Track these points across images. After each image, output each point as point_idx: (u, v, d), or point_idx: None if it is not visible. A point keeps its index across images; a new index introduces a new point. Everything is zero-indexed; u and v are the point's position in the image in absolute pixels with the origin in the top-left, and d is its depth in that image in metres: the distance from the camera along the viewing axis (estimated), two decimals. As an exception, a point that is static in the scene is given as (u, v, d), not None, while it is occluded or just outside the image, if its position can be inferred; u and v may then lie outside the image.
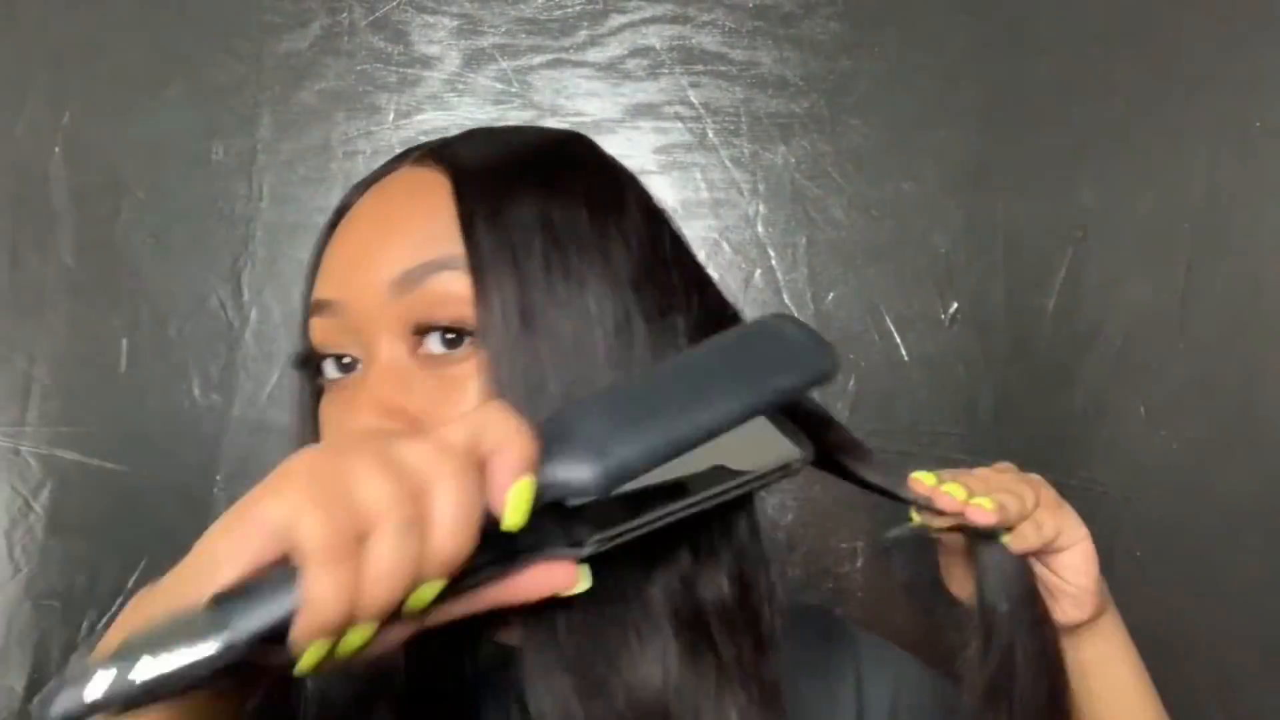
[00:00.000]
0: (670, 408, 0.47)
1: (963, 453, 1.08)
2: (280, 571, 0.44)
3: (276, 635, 0.43)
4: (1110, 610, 0.77)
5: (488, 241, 0.59)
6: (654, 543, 0.55)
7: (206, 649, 0.42)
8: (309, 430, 0.66)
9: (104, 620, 1.04)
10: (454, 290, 0.59)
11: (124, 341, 1.06)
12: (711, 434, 0.48)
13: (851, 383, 1.08)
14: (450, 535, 0.45)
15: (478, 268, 0.59)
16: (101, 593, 1.04)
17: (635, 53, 1.08)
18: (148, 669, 0.41)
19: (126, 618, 0.47)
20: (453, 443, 0.46)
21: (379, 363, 0.61)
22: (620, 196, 0.65)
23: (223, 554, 0.45)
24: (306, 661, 0.44)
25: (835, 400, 1.07)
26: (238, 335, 1.05)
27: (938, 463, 1.08)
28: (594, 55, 1.08)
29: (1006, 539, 0.71)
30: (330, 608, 0.43)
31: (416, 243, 0.60)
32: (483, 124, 1.07)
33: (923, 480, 0.71)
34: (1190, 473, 1.08)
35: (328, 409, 0.64)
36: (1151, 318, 1.08)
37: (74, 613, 1.04)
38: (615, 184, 0.66)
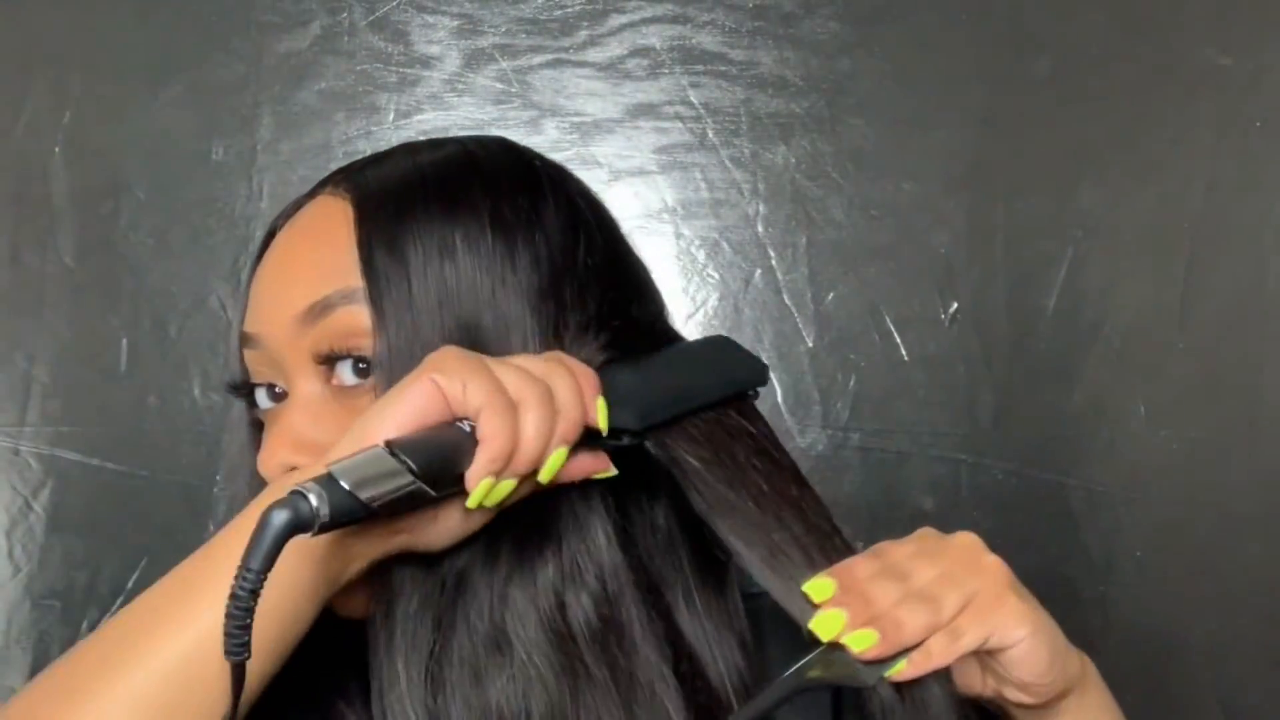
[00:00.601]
0: (674, 382, 0.64)
1: (963, 452, 1.08)
2: (450, 429, 0.55)
3: (448, 475, 0.55)
4: (1080, 687, 0.64)
5: (384, 272, 0.61)
6: (523, 552, 0.61)
7: (401, 477, 0.53)
8: (249, 459, 0.68)
9: (104, 620, 1.04)
10: (356, 322, 0.61)
11: (124, 341, 1.06)
12: (700, 407, 0.64)
13: (852, 383, 1.08)
14: (572, 412, 0.57)
15: (375, 298, 0.61)
16: (101, 593, 1.04)
17: (635, 53, 1.08)
18: (357, 490, 0.51)
19: (278, 491, 0.53)
20: (551, 359, 0.59)
21: (294, 397, 0.63)
22: (534, 211, 0.65)
23: (399, 412, 0.55)
24: (476, 497, 0.55)
25: (835, 400, 1.08)
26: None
27: (938, 463, 1.09)
28: (594, 55, 1.08)
29: (899, 667, 0.57)
30: (503, 447, 0.54)
31: (322, 276, 0.62)
32: (483, 124, 1.08)
33: (819, 588, 0.57)
34: (1190, 473, 1.07)
35: (267, 434, 0.65)
36: (1151, 318, 1.08)
37: (74, 612, 1.04)
38: (530, 198, 0.65)
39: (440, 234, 0.62)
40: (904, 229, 1.08)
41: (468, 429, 0.55)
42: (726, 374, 0.66)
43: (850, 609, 0.56)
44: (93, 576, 1.04)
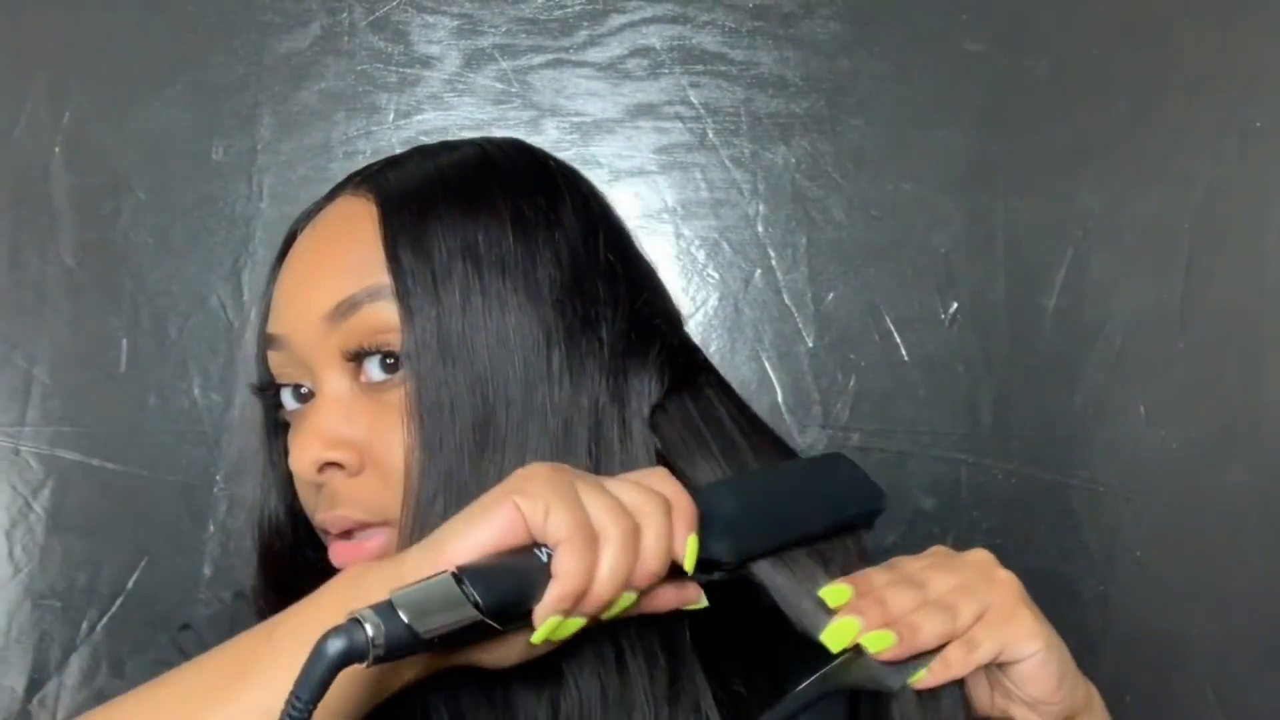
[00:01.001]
0: (778, 511, 0.61)
1: (963, 452, 1.08)
2: (525, 556, 0.53)
3: (515, 609, 0.52)
4: (1086, 715, 0.65)
5: (410, 269, 0.62)
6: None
7: (465, 610, 0.51)
8: (272, 458, 0.69)
9: (104, 620, 1.04)
10: (384, 319, 0.62)
11: (124, 341, 1.06)
12: (805, 540, 0.61)
13: (852, 383, 1.08)
14: (655, 558, 0.55)
15: (402, 295, 0.62)
16: (101, 593, 1.04)
17: (635, 53, 1.08)
18: (416, 623, 0.50)
19: (349, 587, 0.54)
20: (645, 490, 0.56)
21: (323, 394, 0.64)
22: (553, 210, 0.66)
23: (476, 535, 0.53)
24: (542, 634, 0.53)
25: (835, 400, 1.08)
26: (238, 335, 1.05)
27: (938, 463, 1.09)
28: (594, 55, 1.08)
29: (920, 675, 0.59)
30: (576, 588, 0.52)
31: (348, 274, 0.63)
32: (483, 124, 1.08)
33: (836, 593, 0.59)
34: (1190, 473, 1.07)
35: (290, 440, 0.65)
36: (1151, 318, 1.08)
37: (74, 612, 1.04)
38: (548, 197, 0.66)
39: (463, 232, 0.63)
40: (904, 229, 1.08)
41: (544, 558, 0.53)
42: (837, 503, 0.63)
43: (867, 614, 0.58)
44: (93, 576, 1.04)
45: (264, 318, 0.68)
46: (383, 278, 0.62)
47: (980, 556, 0.63)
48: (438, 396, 0.61)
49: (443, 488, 0.60)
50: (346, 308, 0.62)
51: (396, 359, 0.62)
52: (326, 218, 0.67)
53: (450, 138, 1.07)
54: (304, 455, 0.62)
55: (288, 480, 0.68)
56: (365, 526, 0.63)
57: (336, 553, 0.64)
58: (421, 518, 0.60)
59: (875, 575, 0.60)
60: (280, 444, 0.69)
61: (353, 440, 0.62)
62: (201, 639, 1.03)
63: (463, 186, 0.65)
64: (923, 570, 0.61)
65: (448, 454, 0.61)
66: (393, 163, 0.69)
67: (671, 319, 0.69)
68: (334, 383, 0.63)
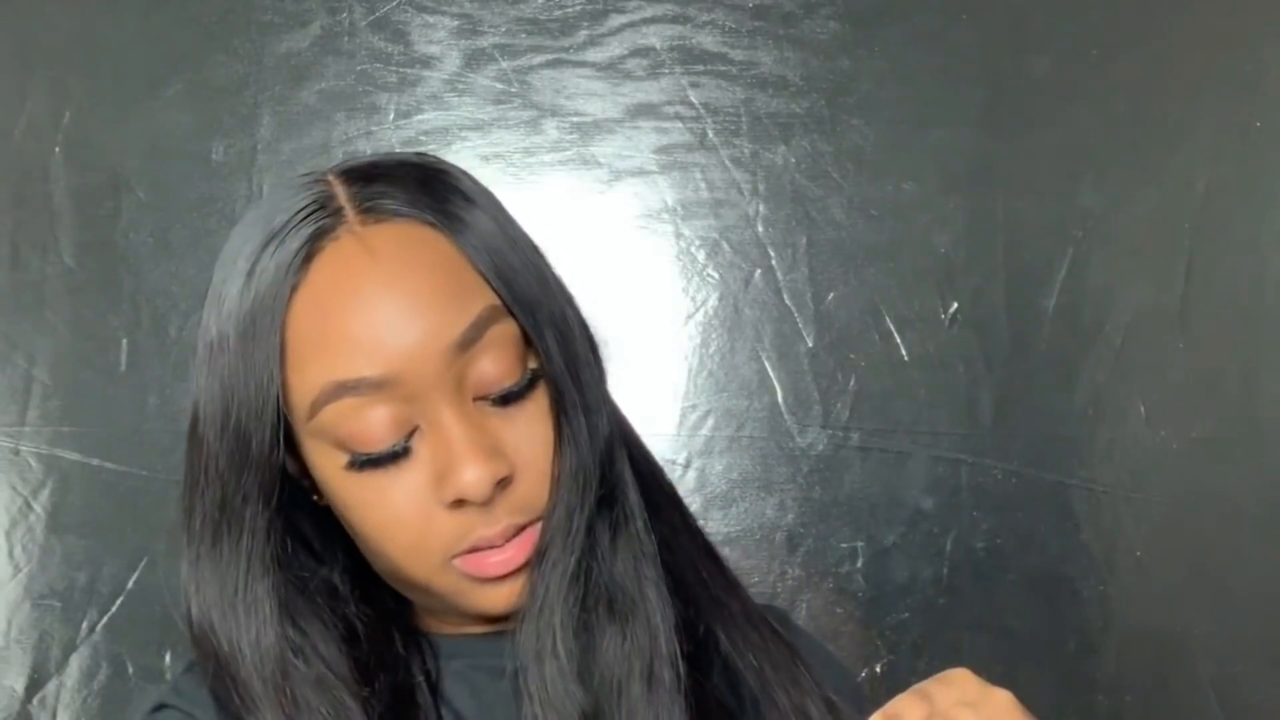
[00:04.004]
0: None
1: (963, 452, 1.08)
2: None
3: None
4: None
5: (510, 281, 0.64)
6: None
7: None
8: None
9: (104, 620, 1.04)
10: (509, 334, 0.64)
11: (124, 341, 1.06)
12: None
13: (851, 383, 1.08)
14: None
15: (520, 307, 0.64)
16: (101, 593, 1.04)
17: (635, 53, 1.08)
18: None
19: None
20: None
21: (452, 417, 0.63)
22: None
23: None
24: None
25: (835, 400, 1.08)
26: (238, 335, 1.05)
27: (938, 463, 1.09)
28: (594, 55, 1.08)
29: None
30: None
31: (460, 301, 0.63)
32: (483, 124, 1.08)
33: None
34: (1190, 473, 1.08)
35: (388, 478, 0.63)
36: (1151, 318, 1.08)
37: (74, 613, 1.04)
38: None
39: (516, 230, 0.67)
40: (904, 229, 1.08)
41: None
42: None
43: None
44: (93, 576, 1.04)
45: (336, 368, 0.62)
46: (491, 297, 0.63)
47: (1005, 699, 0.63)
48: (576, 390, 0.65)
49: (578, 473, 0.64)
50: (472, 333, 0.63)
51: (534, 375, 0.64)
52: (388, 252, 0.63)
53: (450, 138, 1.08)
54: (483, 476, 0.62)
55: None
56: (522, 528, 0.65)
57: (507, 554, 0.65)
58: (569, 507, 0.64)
59: (909, 712, 0.61)
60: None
61: (503, 452, 0.63)
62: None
63: (482, 193, 0.67)
64: (953, 706, 0.61)
65: (583, 444, 0.65)
66: (370, 192, 0.65)
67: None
68: (458, 406, 0.63)
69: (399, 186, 0.65)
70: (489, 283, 0.63)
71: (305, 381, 0.62)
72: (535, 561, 0.65)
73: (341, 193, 0.64)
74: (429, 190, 0.65)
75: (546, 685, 0.64)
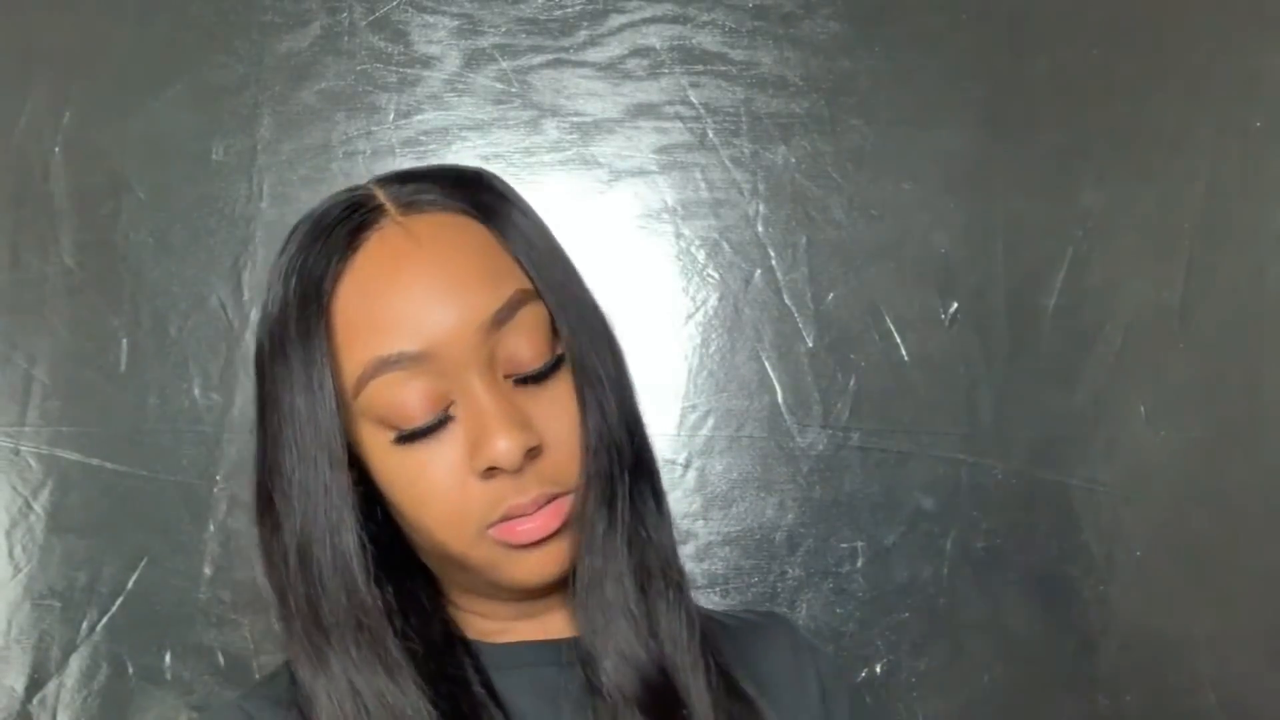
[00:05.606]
0: None
1: (963, 452, 1.08)
2: None
3: None
4: None
5: (540, 266, 0.69)
6: None
7: None
8: (335, 486, 0.67)
9: (104, 620, 1.04)
10: (539, 316, 0.68)
11: (124, 341, 1.06)
12: None
13: (851, 383, 1.08)
14: None
15: (549, 291, 0.68)
16: (101, 593, 1.04)
17: (635, 53, 1.08)
18: None
19: None
20: None
21: (485, 390, 0.66)
22: None
23: None
24: None
25: (835, 400, 1.08)
26: (238, 335, 1.05)
27: (938, 463, 1.09)
28: (594, 55, 1.08)
29: None
30: None
31: (495, 283, 0.67)
32: (483, 124, 1.08)
33: None
34: (1190, 473, 1.08)
35: (427, 452, 0.67)
36: (1151, 318, 1.08)
37: (74, 613, 1.04)
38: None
39: (542, 224, 0.71)
40: (904, 229, 1.08)
41: None
42: None
43: None
44: (93, 576, 1.04)
45: (381, 343, 0.66)
46: (524, 281, 0.68)
47: None
48: (600, 373, 0.69)
49: (609, 443, 0.68)
50: (505, 312, 0.66)
51: (558, 358, 0.68)
52: (430, 237, 0.68)
53: (450, 138, 1.08)
54: (514, 445, 0.65)
55: (359, 504, 0.68)
56: (553, 498, 0.68)
57: (538, 522, 0.67)
58: (607, 475, 0.68)
59: None
60: (344, 474, 0.67)
61: (532, 424, 0.67)
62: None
63: (502, 193, 0.71)
64: None
65: (609, 417, 0.69)
66: (419, 179, 0.71)
67: None
68: (488, 381, 0.66)
69: (436, 184, 0.70)
70: (521, 267, 0.68)
71: (352, 359, 0.67)
72: (579, 530, 0.68)
73: (382, 194, 0.70)
74: (464, 185, 0.71)
75: (621, 645, 0.68)
